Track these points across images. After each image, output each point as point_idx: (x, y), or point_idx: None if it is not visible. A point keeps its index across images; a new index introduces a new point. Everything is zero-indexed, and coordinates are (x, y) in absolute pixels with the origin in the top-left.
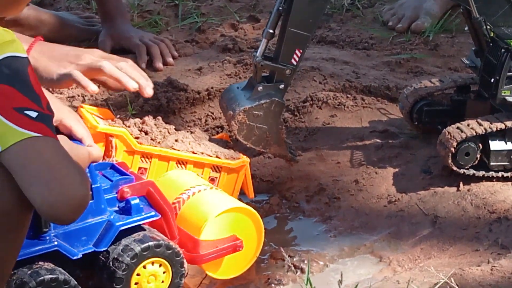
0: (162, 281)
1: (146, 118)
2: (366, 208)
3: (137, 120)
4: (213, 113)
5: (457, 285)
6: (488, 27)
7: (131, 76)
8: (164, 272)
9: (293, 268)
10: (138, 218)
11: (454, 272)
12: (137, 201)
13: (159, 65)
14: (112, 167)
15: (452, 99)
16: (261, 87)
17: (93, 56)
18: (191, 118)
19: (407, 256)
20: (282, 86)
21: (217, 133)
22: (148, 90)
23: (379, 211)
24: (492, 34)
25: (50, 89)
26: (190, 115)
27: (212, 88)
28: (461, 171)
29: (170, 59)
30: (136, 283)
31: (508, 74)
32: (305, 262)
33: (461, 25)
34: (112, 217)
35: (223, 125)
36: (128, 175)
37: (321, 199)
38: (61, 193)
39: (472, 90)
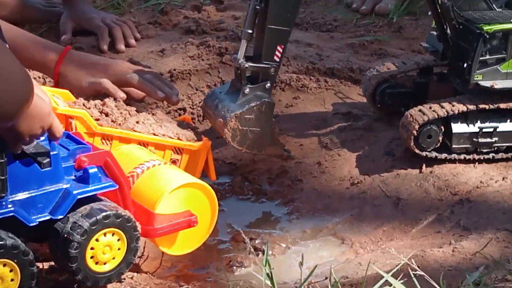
0: (119, 249)
1: (106, 100)
2: (328, 190)
3: (98, 101)
4: None
5: (418, 267)
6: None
7: (158, 86)
8: (118, 240)
9: (253, 250)
10: (96, 187)
11: (415, 253)
12: (95, 170)
13: (121, 47)
14: (68, 136)
15: (415, 81)
16: (247, 89)
17: (122, 67)
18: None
19: (369, 238)
20: (268, 85)
21: (179, 115)
22: (174, 98)
23: (342, 193)
24: (460, 19)
25: None
26: None
27: (174, 70)
28: (424, 153)
29: (132, 41)
30: (92, 257)
31: (480, 58)
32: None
33: (425, 7)
34: (69, 185)
35: (185, 107)
36: (85, 144)
37: (283, 182)
38: (4, 89)
39: (434, 72)
